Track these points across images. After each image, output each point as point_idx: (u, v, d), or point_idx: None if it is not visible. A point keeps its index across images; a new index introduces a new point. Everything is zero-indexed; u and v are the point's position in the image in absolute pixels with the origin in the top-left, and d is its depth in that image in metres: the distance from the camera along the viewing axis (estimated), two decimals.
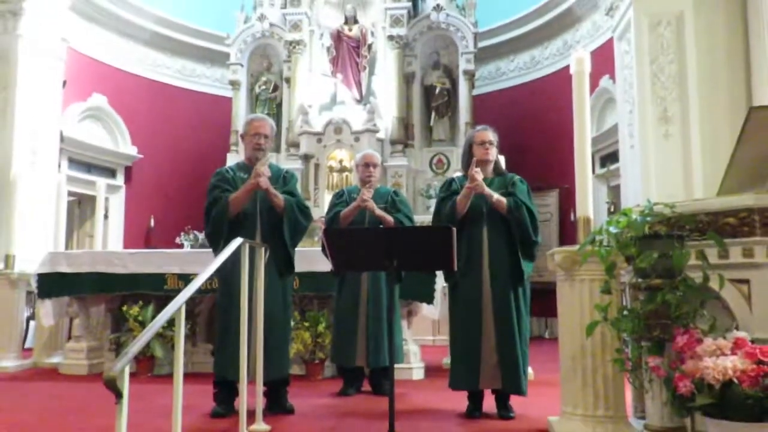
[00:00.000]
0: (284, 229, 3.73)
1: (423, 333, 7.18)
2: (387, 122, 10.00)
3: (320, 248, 4.26)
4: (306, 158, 9.75)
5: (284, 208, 3.72)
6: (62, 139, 9.05)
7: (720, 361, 2.07)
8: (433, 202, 9.46)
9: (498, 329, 3.54)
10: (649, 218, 2.46)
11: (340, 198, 4.59)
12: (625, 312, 2.48)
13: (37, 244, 7.08)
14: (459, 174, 4.00)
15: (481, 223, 3.63)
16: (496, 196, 3.57)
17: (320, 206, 9.06)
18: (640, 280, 2.40)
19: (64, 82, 8.97)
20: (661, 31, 7.09)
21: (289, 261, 3.83)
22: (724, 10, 6.97)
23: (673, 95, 6.95)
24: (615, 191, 8.91)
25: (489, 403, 3.68)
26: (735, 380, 2.03)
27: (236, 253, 3.03)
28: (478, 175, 3.55)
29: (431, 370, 5.32)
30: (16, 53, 8.02)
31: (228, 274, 3.53)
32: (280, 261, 3.76)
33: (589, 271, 2.94)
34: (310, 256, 4.65)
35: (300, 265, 4.07)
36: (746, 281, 2.39)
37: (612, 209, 8.71)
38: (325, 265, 4.27)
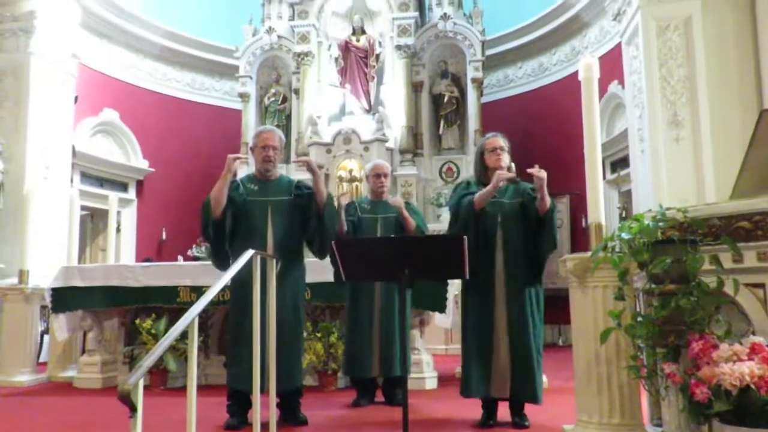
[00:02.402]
0: (325, 216, 3.80)
1: (435, 342, 7.15)
2: (396, 131, 10.02)
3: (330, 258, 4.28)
4: None
5: (326, 204, 3.80)
6: (74, 153, 9.14)
7: (736, 366, 2.05)
8: (443, 211, 9.47)
9: (512, 337, 3.52)
10: (661, 223, 2.45)
11: (349, 208, 4.60)
12: (639, 318, 2.46)
13: (51, 259, 7.14)
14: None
15: (495, 230, 3.62)
16: (545, 192, 3.52)
17: None
18: (653, 285, 2.38)
19: (76, 98, 9.07)
20: (670, 35, 7.08)
21: (326, 246, 3.86)
22: (733, 12, 6.95)
23: (682, 99, 6.92)
24: (626, 196, 8.86)
25: (503, 412, 3.66)
26: (752, 386, 2.00)
27: (248, 265, 3.04)
28: (540, 173, 3.48)
29: (444, 380, 5.29)
30: (28, 70, 8.12)
31: (239, 285, 3.54)
32: (297, 265, 3.84)
33: (602, 278, 2.93)
34: (321, 267, 4.64)
35: (311, 276, 4.08)
36: (761, 285, 2.36)
37: (623, 215, 8.66)
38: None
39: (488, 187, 3.59)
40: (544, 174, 3.49)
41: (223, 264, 3.77)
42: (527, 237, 3.62)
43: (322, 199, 3.79)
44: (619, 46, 8.40)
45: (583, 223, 9.07)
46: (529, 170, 3.50)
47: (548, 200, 3.55)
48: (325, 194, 3.82)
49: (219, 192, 3.65)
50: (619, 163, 9.17)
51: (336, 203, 4.13)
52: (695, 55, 6.93)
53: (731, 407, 2.03)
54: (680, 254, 2.30)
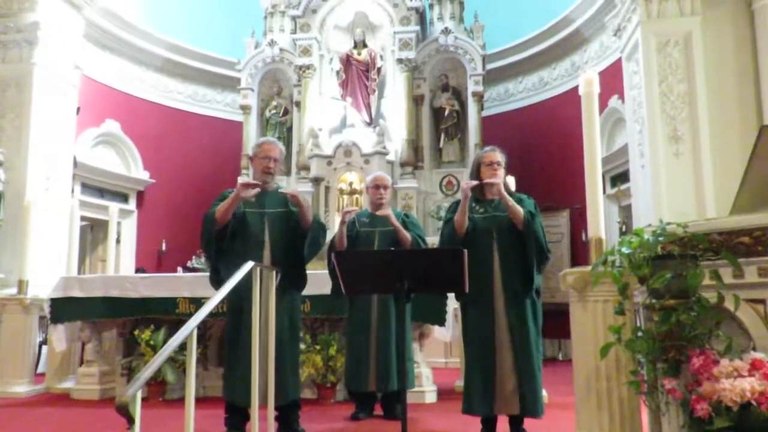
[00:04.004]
0: (305, 244, 3.77)
1: (435, 355, 7.12)
2: (397, 144, 10.05)
3: (327, 271, 4.27)
4: (316, 181, 9.79)
5: (311, 226, 3.77)
6: (75, 164, 9.16)
7: (737, 382, 2.04)
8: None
9: (516, 354, 3.49)
10: (661, 238, 2.44)
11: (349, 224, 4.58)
12: (640, 333, 2.45)
13: (51, 269, 7.12)
14: None
15: (491, 246, 3.61)
16: (512, 201, 3.55)
17: (331, 229, 9.06)
18: (653, 300, 2.37)
19: (78, 109, 9.10)
20: (670, 51, 7.12)
21: (302, 277, 3.88)
22: (732, 28, 6.99)
23: (682, 114, 6.95)
24: (626, 211, 8.87)
25: (502, 426, 3.63)
26: (753, 402, 1.99)
27: (245, 276, 3.03)
28: (496, 180, 3.53)
29: (444, 393, 5.27)
30: (31, 81, 8.16)
31: (237, 297, 3.53)
32: (294, 278, 3.81)
33: (602, 292, 2.92)
34: (321, 279, 4.63)
35: (311, 288, 4.07)
36: (762, 301, 2.35)
37: (623, 229, 8.66)
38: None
39: (460, 205, 3.61)
40: (496, 180, 3.50)
41: (219, 282, 3.67)
42: (524, 251, 3.60)
43: (306, 224, 3.78)
44: (619, 61, 8.44)
45: (583, 238, 9.07)
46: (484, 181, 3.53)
47: (518, 209, 3.55)
48: (310, 220, 3.79)
49: (225, 213, 3.62)
50: (619, 178, 9.19)
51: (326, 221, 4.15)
52: (695, 70, 6.97)
53: (732, 423, 2.02)
54: (680, 269, 2.29)
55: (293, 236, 3.80)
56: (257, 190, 3.62)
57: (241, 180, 3.53)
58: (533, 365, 3.48)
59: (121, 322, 5.60)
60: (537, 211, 3.66)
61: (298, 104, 10.52)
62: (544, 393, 4.87)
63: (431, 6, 10.78)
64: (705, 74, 6.93)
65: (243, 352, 3.40)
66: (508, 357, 3.50)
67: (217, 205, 3.72)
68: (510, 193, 3.81)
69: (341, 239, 4.32)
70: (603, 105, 8.95)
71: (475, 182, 3.62)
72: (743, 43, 6.94)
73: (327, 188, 9.82)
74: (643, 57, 7.23)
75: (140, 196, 10.90)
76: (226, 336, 3.79)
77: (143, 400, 1.96)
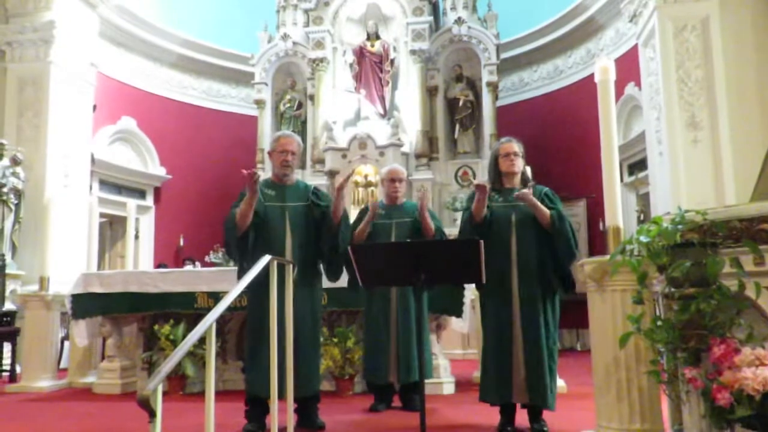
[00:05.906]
0: (339, 237, 3.79)
1: (453, 347, 7.12)
2: (411, 136, 10.02)
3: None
4: (331, 174, 9.81)
5: (341, 219, 3.78)
6: (93, 161, 9.25)
7: (759, 371, 2.02)
8: (459, 215, 9.45)
9: (525, 343, 3.49)
10: (680, 226, 2.41)
11: (365, 214, 4.58)
12: (659, 322, 2.43)
13: (71, 266, 7.21)
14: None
15: (509, 234, 3.60)
16: (540, 205, 3.53)
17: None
18: (673, 289, 2.35)
19: (94, 106, 9.19)
20: (687, 36, 7.02)
21: (338, 267, 3.92)
22: (751, 12, 6.88)
23: (701, 101, 6.86)
24: (644, 199, 8.79)
25: (522, 417, 3.63)
26: None
27: (265, 270, 3.05)
28: (521, 194, 3.50)
29: (462, 385, 5.27)
30: (48, 79, 8.25)
31: (257, 291, 3.55)
32: (316, 271, 3.86)
33: (621, 282, 2.90)
34: None
35: (328, 281, 4.08)
36: None
37: (641, 218, 8.59)
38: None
39: (475, 199, 3.58)
40: (523, 193, 3.47)
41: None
42: (542, 240, 3.59)
43: (338, 216, 3.78)
44: (635, 47, 8.35)
45: (601, 227, 9.00)
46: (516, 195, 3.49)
47: (544, 211, 3.52)
48: (341, 213, 3.78)
49: (245, 217, 3.63)
50: (636, 166, 9.10)
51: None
52: (713, 55, 6.87)
53: (754, 412, 2.00)
54: (700, 257, 2.27)
55: (314, 229, 3.82)
56: (258, 174, 3.62)
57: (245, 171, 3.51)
58: (542, 357, 3.46)
59: (140, 317, 5.66)
60: (556, 198, 3.65)
61: (312, 98, 10.53)
62: (563, 383, 4.87)
63: None
64: (723, 59, 6.83)
65: (267, 345, 3.42)
66: (520, 347, 3.50)
67: (236, 207, 3.72)
68: (528, 184, 3.78)
69: (361, 234, 4.32)
70: (619, 92, 8.86)
71: (484, 184, 3.56)
72: (762, 27, 6.82)
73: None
74: (660, 43, 7.13)
75: (157, 191, 10.99)
76: (249, 329, 3.81)
77: (164, 394, 1.98)
